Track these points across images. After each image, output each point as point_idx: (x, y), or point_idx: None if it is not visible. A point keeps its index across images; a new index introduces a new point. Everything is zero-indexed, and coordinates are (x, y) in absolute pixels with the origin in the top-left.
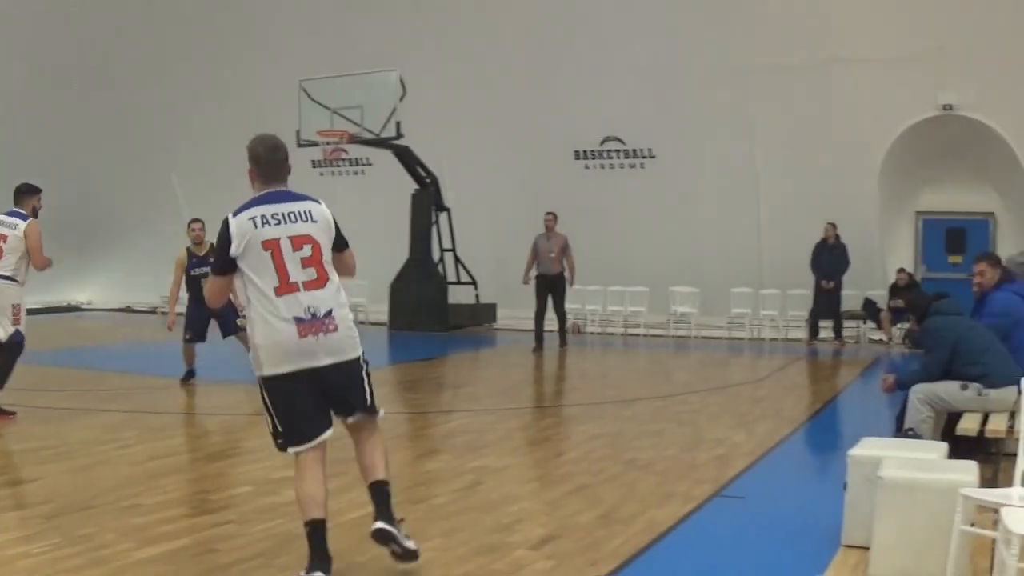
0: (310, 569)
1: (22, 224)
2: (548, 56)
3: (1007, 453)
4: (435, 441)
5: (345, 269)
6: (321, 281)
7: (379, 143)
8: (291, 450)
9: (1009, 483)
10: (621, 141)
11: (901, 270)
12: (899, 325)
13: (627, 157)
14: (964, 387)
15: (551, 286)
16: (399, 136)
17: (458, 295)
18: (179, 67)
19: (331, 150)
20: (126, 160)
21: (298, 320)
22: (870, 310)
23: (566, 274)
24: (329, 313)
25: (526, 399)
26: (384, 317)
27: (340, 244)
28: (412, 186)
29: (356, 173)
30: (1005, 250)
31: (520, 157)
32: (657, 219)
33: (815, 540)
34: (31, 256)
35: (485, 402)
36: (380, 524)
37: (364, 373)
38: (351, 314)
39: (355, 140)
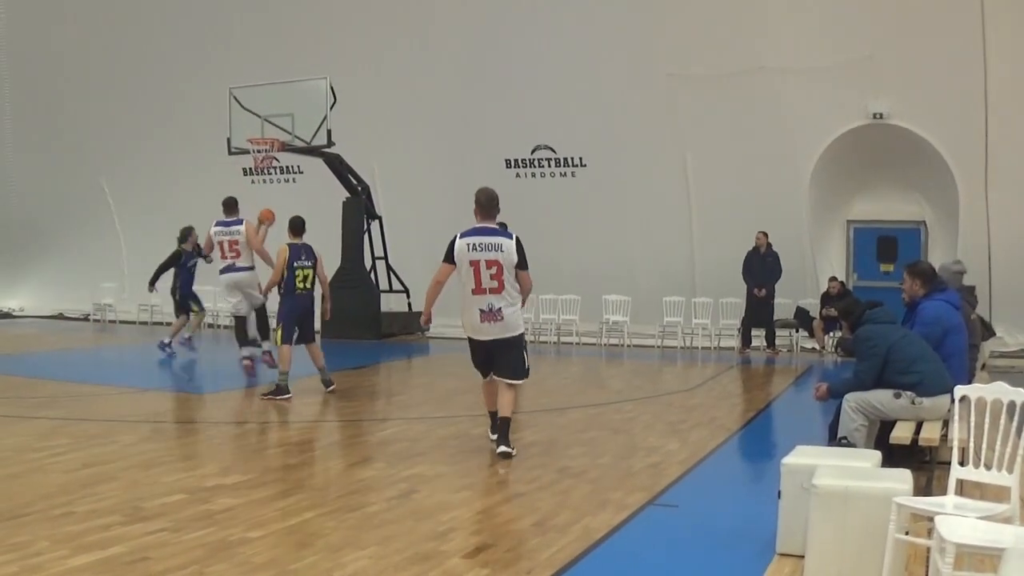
0: (498, 440)
1: None
2: (479, 65)
3: (941, 461)
4: (369, 449)
5: (522, 285)
6: (499, 290)
7: (310, 151)
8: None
9: (943, 491)
10: (552, 150)
11: (833, 278)
12: (831, 334)
13: (558, 166)
14: (897, 395)
15: None
16: (330, 144)
17: (390, 303)
18: (108, 73)
19: (262, 158)
20: (56, 166)
21: (481, 311)
22: (802, 319)
23: None
24: (500, 310)
25: (460, 407)
26: (317, 325)
27: (521, 266)
28: (344, 194)
29: (287, 181)
30: (936, 258)
31: (452, 165)
32: (589, 227)
33: (750, 548)
34: None
35: (418, 410)
36: (500, 448)
37: (518, 349)
38: (519, 311)
39: (286, 148)
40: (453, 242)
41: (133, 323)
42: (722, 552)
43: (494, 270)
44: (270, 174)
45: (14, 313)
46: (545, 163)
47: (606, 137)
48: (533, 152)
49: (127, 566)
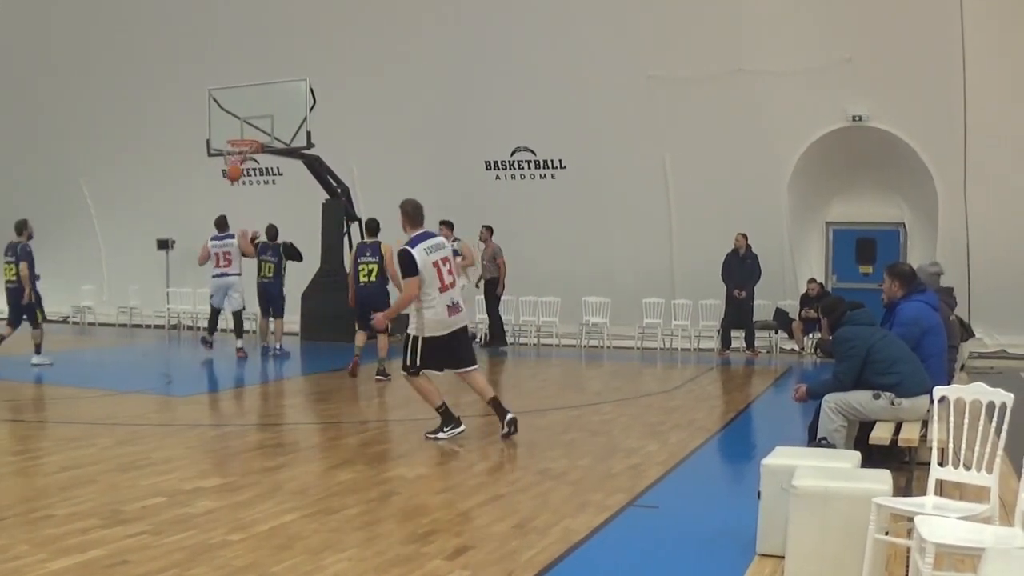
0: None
1: None
2: (459, 66)
3: (920, 462)
4: (349, 452)
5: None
6: (455, 284)
7: (289, 152)
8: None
9: (923, 492)
10: (532, 151)
11: (812, 280)
12: (811, 335)
13: (538, 167)
14: (877, 396)
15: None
16: (310, 146)
17: None
18: (88, 74)
19: (241, 159)
20: (35, 167)
21: (448, 306)
22: (781, 320)
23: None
24: (459, 302)
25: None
26: (296, 327)
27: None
28: (323, 196)
29: (267, 183)
30: (915, 259)
31: (432, 167)
32: (569, 229)
33: (730, 549)
34: None
35: (398, 412)
36: (508, 417)
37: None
38: None
39: (265, 149)
40: (411, 255)
41: (112, 325)
42: (703, 553)
43: (448, 266)
44: (250, 176)
45: None
46: (525, 165)
47: (586, 139)
48: (513, 154)
49: (107, 569)
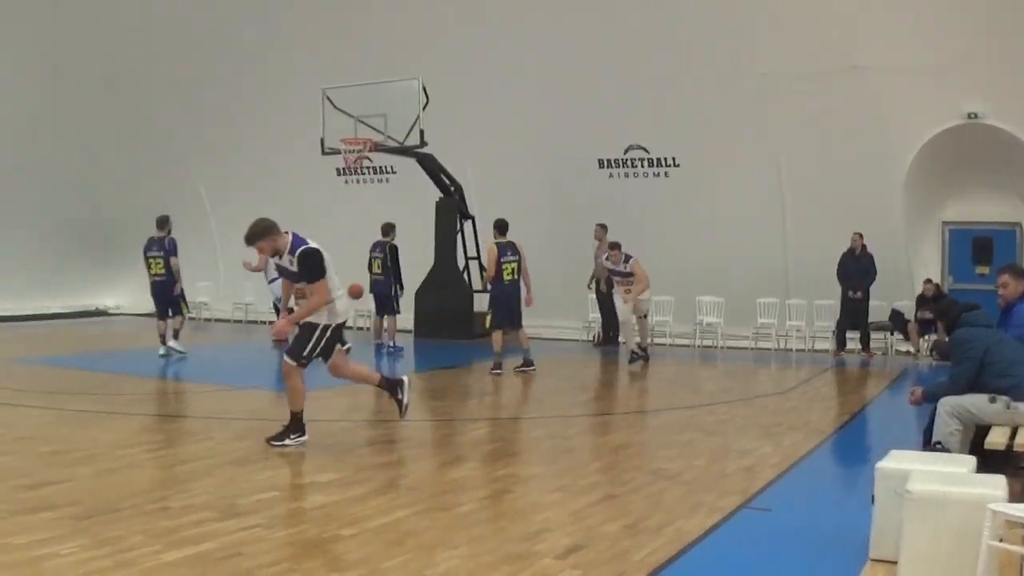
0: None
1: None
2: (572, 64)
3: None
4: (461, 449)
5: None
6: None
7: (403, 151)
8: None
9: None
10: (645, 150)
11: (928, 280)
12: (926, 336)
13: (651, 166)
14: (992, 400)
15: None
16: (423, 144)
17: (483, 303)
18: (205, 76)
19: (355, 158)
20: (155, 168)
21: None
22: (897, 321)
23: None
24: None
25: (553, 408)
26: (409, 324)
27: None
28: (437, 194)
29: (380, 181)
30: None
31: (545, 165)
32: (682, 228)
33: (842, 553)
34: None
35: (511, 411)
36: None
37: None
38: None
39: (379, 148)
40: (321, 257)
41: (227, 321)
42: (815, 557)
43: None
44: (363, 174)
45: (110, 311)
46: (638, 163)
47: (700, 137)
48: (626, 152)
49: (219, 562)
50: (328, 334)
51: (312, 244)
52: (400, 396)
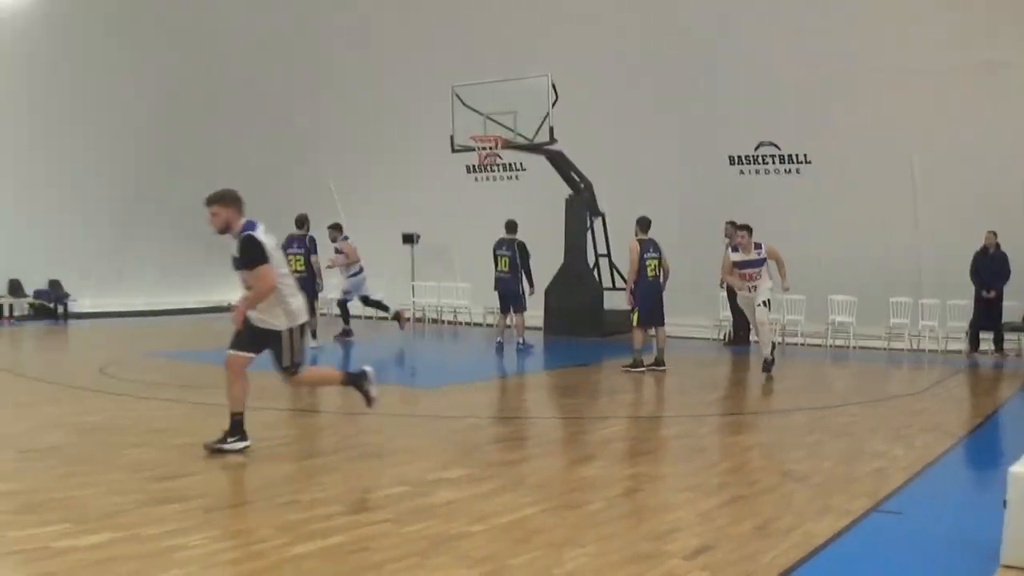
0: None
1: None
2: (702, 60)
3: None
4: (591, 447)
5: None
6: None
7: (532, 148)
8: None
9: None
10: (776, 146)
11: None
12: None
13: (782, 162)
14: None
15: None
16: (553, 141)
17: (613, 301)
18: (334, 74)
19: (485, 155)
20: (287, 165)
21: None
22: None
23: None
24: None
25: (683, 407)
26: (539, 322)
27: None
28: (566, 191)
29: (510, 178)
30: None
31: (675, 161)
32: (813, 226)
33: (973, 558)
34: None
35: (641, 409)
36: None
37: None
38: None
39: (509, 145)
40: (262, 245)
41: (359, 318)
42: (945, 561)
43: None
44: (493, 172)
45: None
46: (769, 160)
47: (831, 133)
48: (757, 149)
49: (348, 556)
50: (295, 335)
51: (260, 234)
52: (366, 388)
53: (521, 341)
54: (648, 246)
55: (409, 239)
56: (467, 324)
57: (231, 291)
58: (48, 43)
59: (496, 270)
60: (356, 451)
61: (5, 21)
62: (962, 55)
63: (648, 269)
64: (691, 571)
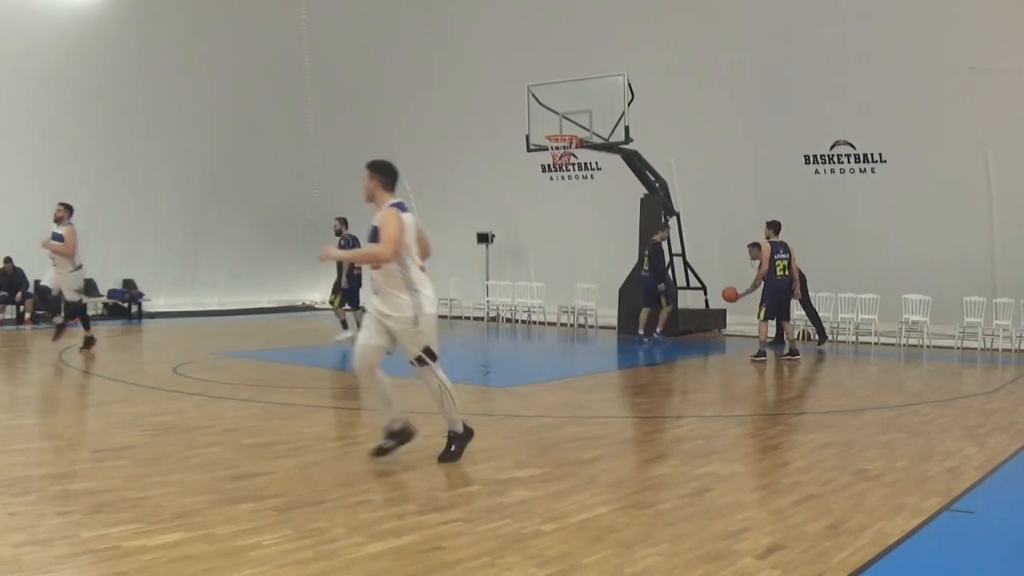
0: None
1: None
2: (777, 59)
3: None
4: (663, 446)
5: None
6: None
7: (608, 147)
8: None
9: None
10: (852, 146)
11: None
12: None
13: (857, 162)
14: None
15: None
16: (628, 140)
17: (687, 300)
18: (409, 74)
19: (560, 154)
20: (357, 165)
21: None
22: None
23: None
24: None
25: (755, 406)
26: (613, 321)
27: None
28: (641, 190)
29: (585, 177)
30: None
31: (750, 161)
32: (888, 225)
33: None
34: None
35: (713, 408)
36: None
37: None
38: None
39: (584, 144)
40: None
41: (444, 318)
42: (1018, 561)
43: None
44: (568, 171)
45: (317, 306)
46: (844, 159)
47: (907, 133)
48: (832, 148)
49: (420, 555)
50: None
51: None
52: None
53: (656, 333)
54: (778, 247)
55: (484, 238)
56: (540, 324)
57: (304, 290)
58: (125, 53)
59: (641, 269)
60: (430, 450)
61: (82, 34)
62: None
63: (778, 268)
64: (762, 570)
